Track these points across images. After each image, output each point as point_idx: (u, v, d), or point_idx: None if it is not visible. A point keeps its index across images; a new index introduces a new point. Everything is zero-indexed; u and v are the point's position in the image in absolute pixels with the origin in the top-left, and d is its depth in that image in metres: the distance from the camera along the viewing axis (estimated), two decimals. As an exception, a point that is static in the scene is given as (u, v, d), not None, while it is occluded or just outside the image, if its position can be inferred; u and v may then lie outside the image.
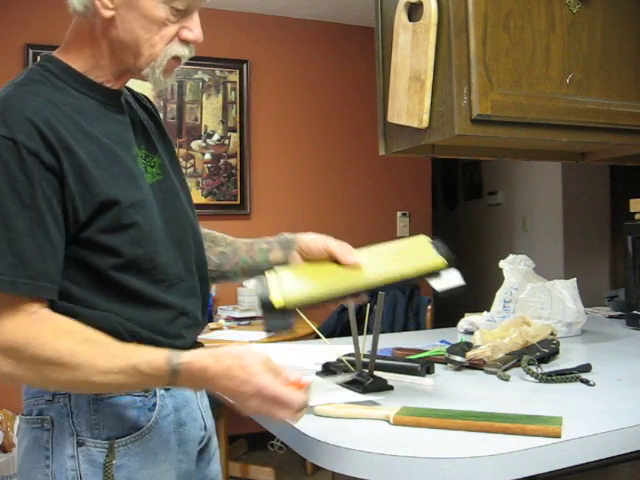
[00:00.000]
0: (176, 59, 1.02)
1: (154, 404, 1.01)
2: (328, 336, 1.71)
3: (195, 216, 1.15)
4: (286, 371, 0.91)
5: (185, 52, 1.02)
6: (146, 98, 1.19)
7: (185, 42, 1.01)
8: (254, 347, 0.93)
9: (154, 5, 0.96)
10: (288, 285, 1.06)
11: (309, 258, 1.18)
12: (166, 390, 1.02)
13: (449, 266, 1.08)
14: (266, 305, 1.03)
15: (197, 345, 1.10)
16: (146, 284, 0.99)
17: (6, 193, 0.87)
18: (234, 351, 0.91)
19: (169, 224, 1.04)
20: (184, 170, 1.19)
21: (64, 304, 0.94)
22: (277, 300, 1.02)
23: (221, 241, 1.27)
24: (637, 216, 2.02)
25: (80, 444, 0.96)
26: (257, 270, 1.23)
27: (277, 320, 1.04)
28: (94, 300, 0.96)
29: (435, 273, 1.08)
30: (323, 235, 1.20)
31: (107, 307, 0.96)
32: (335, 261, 1.14)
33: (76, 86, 0.99)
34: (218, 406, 2.91)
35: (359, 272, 1.10)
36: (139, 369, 0.88)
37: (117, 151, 0.99)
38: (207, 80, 3.70)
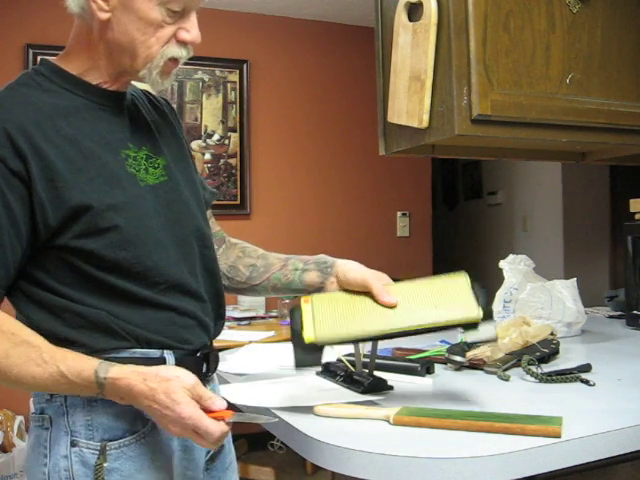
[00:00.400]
0: (173, 60, 1.01)
1: None
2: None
3: (204, 218, 1.14)
4: (211, 399, 0.90)
5: (182, 53, 1.01)
6: (165, 100, 1.19)
7: (182, 43, 1.01)
8: (184, 372, 0.92)
9: (150, 7, 0.96)
10: (321, 321, 1.08)
11: (345, 287, 1.17)
12: None
13: (484, 319, 1.06)
14: (297, 339, 1.06)
15: (207, 348, 1.09)
16: (138, 287, 0.98)
17: None
18: (163, 374, 0.91)
19: (171, 226, 1.04)
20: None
21: (55, 298, 0.95)
22: (308, 336, 1.05)
23: (252, 253, 1.26)
24: (637, 216, 2.02)
25: (73, 445, 0.96)
26: (288, 289, 1.24)
27: (307, 355, 1.06)
28: (86, 299, 0.96)
29: (471, 324, 1.07)
30: (361, 265, 1.19)
31: (99, 305, 0.96)
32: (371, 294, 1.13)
33: (68, 87, 1.00)
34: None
35: (393, 313, 1.08)
36: (67, 377, 0.89)
37: (99, 153, 0.98)
38: (207, 80, 3.70)
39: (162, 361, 1.00)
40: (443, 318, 1.06)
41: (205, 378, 1.07)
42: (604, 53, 1.63)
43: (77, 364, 0.90)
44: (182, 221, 1.06)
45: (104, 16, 0.96)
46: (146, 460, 0.98)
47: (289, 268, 1.23)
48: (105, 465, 0.94)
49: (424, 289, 1.12)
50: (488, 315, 1.08)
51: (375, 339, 1.11)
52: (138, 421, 0.98)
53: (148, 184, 1.02)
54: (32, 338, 0.91)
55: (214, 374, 1.13)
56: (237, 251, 1.26)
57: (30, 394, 1.02)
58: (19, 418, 2.91)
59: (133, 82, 1.08)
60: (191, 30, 1.00)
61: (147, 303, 0.99)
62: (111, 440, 0.96)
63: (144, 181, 1.02)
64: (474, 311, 1.06)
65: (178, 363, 1.00)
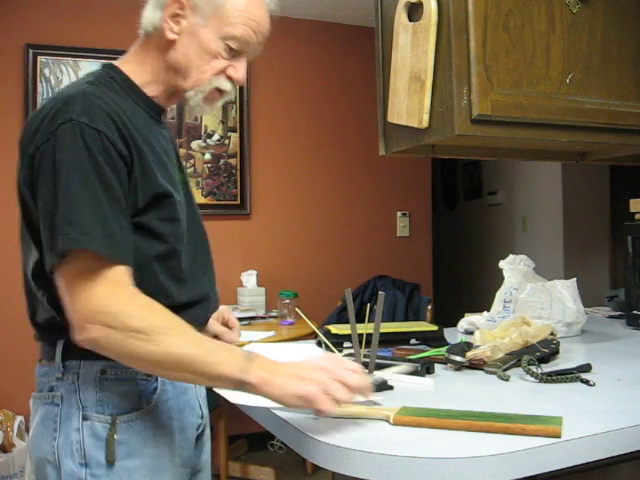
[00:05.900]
0: (218, 91, 1.16)
1: (155, 388, 1.08)
2: (328, 336, 1.72)
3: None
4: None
5: (227, 87, 1.16)
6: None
7: (229, 78, 1.16)
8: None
9: (212, 39, 1.11)
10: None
11: None
12: None
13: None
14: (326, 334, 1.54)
15: None
16: (167, 279, 1.09)
17: (92, 175, 0.97)
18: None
19: (191, 233, 1.16)
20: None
21: None
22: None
23: None
24: (637, 216, 2.02)
25: (85, 418, 1.03)
26: None
27: None
28: None
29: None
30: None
31: None
32: None
33: (134, 97, 1.12)
34: (217, 407, 2.92)
35: None
36: (217, 351, 0.97)
37: (164, 158, 1.12)
38: (207, 80, 3.69)
39: None
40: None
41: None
42: (604, 53, 1.63)
43: (225, 349, 1.00)
44: (197, 233, 1.20)
45: (172, 37, 1.11)
46: (149, 434, 1.07)
47: None
48: (115, 437, 1.02)
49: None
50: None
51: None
52: (142, 400, 1.07)
53: (181, 195, 1.15)
54: (176, 319, 0.97)
55: None
56: None
57: (32, 386, 1.10)
58: (19, 418, 2.91)
59: None
60: (239, 70, 1.16)
61: (167, 295, 1.07)
62: (120, 414, 1.04)
63: (179, 192, 1.14)
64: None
65: None
